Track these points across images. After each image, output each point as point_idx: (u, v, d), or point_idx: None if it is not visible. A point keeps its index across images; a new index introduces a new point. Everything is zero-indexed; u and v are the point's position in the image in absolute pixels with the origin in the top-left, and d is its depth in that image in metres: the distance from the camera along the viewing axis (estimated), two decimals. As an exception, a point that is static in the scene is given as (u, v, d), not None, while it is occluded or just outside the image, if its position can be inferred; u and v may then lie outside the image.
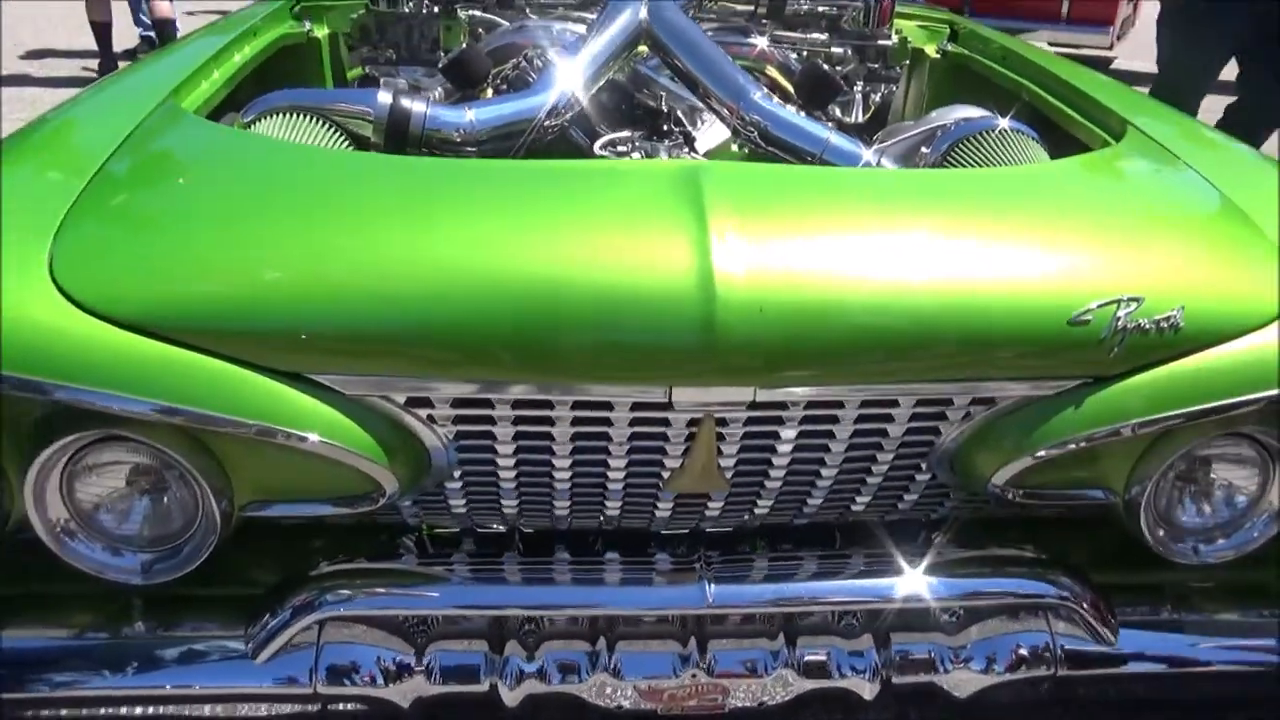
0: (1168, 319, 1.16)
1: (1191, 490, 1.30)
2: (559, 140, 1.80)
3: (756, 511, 1.34)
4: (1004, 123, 1.70)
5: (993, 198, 1.32)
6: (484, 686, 1.28)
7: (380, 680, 1.26)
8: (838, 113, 2.23)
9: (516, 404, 1.14)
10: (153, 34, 6.69)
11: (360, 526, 1.39)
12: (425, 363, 1.11)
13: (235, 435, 1.11)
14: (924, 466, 1.28)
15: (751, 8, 2.12)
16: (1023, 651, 1.32)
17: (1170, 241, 1.28)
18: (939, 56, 2.39)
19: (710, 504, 1.31)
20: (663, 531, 1.39)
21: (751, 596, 1.27)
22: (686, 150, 1.78)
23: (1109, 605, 1.32)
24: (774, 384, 1.13)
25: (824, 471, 1.26)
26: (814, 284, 1.14)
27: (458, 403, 1.15)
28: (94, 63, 6.52)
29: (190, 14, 7.01)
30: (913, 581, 1.28)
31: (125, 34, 7.00)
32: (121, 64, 6.67)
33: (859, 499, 1.33)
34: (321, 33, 2.31)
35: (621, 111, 2.07)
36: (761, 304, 1.10)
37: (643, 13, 1.88)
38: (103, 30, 6.31)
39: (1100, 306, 1.15)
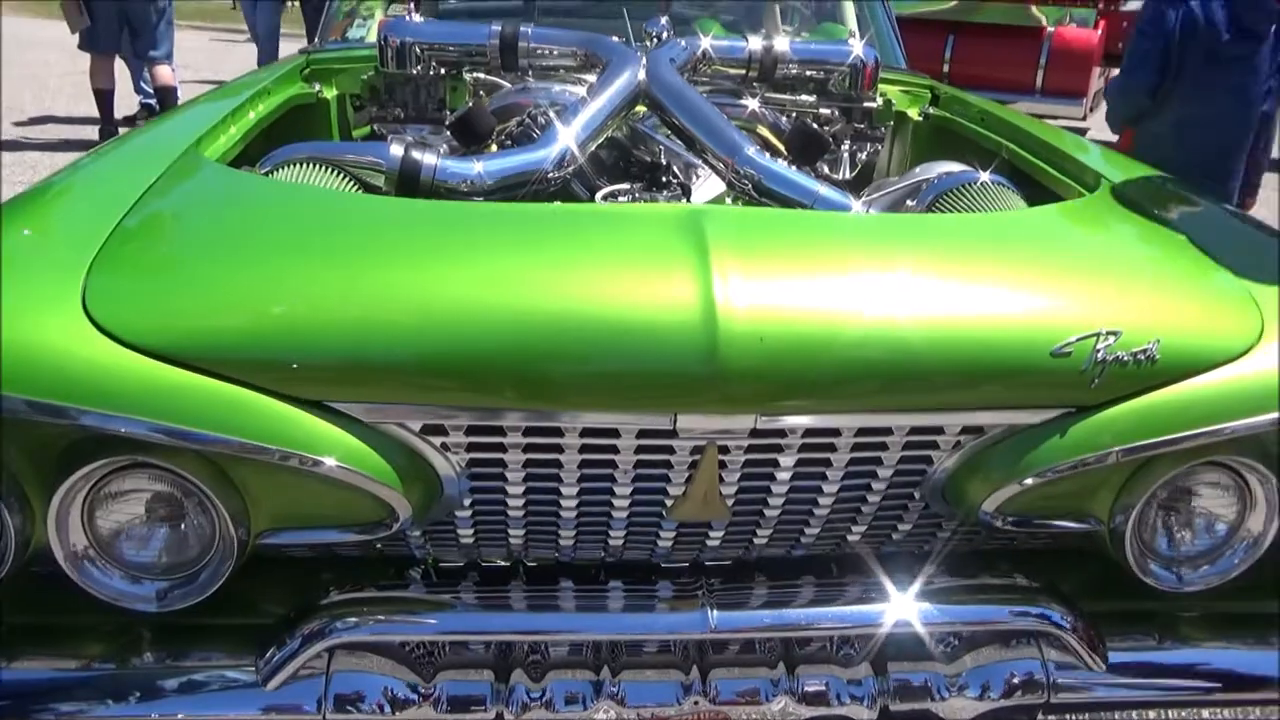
0: (1144, 351, 1.23)
1: (1173, 519, 1.35)
2: (560, 193, 1.88)
3: (756, 541, 1.38)
4: (985, 176, 1.79)
5: (976, 240, 1.40)
6: (490, 715, 1.30)
7: (388, 709, 1.28)
8: (825, 170, 2.33)
9: (528, 431, 1.19)
10: (153, 101, 6.86)
11: (368, 560, 1.42)
12: (439, 392, 1.16)
13: (255, 460, 1.15)
14: (917, 495, 1.33)
15: (743, 72, 2.23)
16: (1015, 679, 1.35)
17: (1145, 280, 1.36)
18: (921, 119, 2.50)
19: (711, 533, 1.35)
20: (664, 565, 1.43)
21: (752, 622, 1.31)
22: (684, 201, 1.86)
23: (1098, 633, 1.36)
24: (774, 412, 1.19)
25: (821, 500, 1.31)
26: (811, 318, 1.20)
27: (471, 430, 1.19)
28: (94, 128, 6.65)
29: (184, 82, 7.18)
30: (908, 608, 1.32)
31: (125, 100, 7.16)
32: (122, 130, 6.82)
33: (855, 528, 1.38)
34: (330, 94, 2.41)
35: (620, 167, 2.15)
36: (762, 335, 1.16)
37: (641, 74, 1.99)
38: (105, 97, 6.45)
39: (1080, 339, 1.22)
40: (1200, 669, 1.40)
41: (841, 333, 1.20)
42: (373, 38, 2.59)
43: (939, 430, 1.25)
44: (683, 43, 2.14)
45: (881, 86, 2.46)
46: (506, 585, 1.35)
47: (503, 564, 1.44)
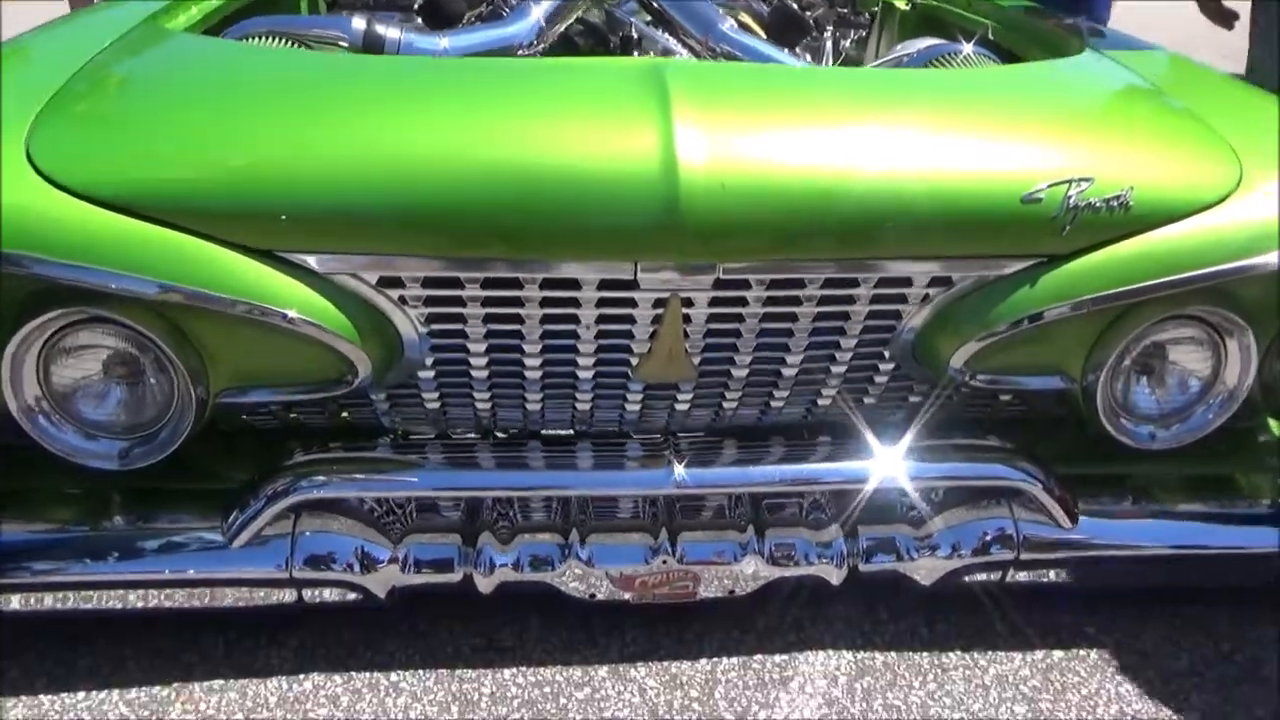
0: (1118, 198, 1.20)
1: (1146, 376, 1.33)
2: None
3: (726, 405, 1.37)
4: (968, 48, 1.74)
5: (947, 93, 1.36)
6: (458, 577, 1.31)
7: (356, 569, 1.28)
8: (808, 58, 2.27)
9: (486, 283, 1.17)
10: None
11: (336, 429, 1.41)
12: (392, 240, 1.14)
13: (211, 313, 1.13)
14: (887, 354, 1.31)
15: (723, -46, 2.16)
16: (985, 537, 1.35)
17: (1122, 130, 1.32)
18: (909, 8, 2.43)
19: (679, 396, 1.34)
20: (634, 435, 1.42)
21: (719, 479, 1.30)
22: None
23: (1070, 493, 1.36)
24: (736, 258, 1.16)
25: (789, 358, 1.29)
26: (774, 166, 1.17)
27: (428, 282, 1.17)
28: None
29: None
30: (878, 465, 1.32)
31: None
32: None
33: (825, 390, 1.36)
34: None
35: (595, 53, 2.10)
36: (724, 182, 1.13)
37: (614, -49, 1.93)
38: None
39: (1052, 186, 1.19)
40: (1171, 529, 1.39)
41: (804, 181, 1.16)
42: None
43: (907, 282, 1.22)
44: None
45: (867, -27, 2.40)
46: (474, 446, 1.34)
47: (472, 436, 1.43)
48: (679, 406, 1.36)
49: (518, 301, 1.19)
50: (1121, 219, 1.20)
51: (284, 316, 1.13)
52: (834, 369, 1.32)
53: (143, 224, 1.11)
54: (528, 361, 1.27)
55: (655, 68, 1.27)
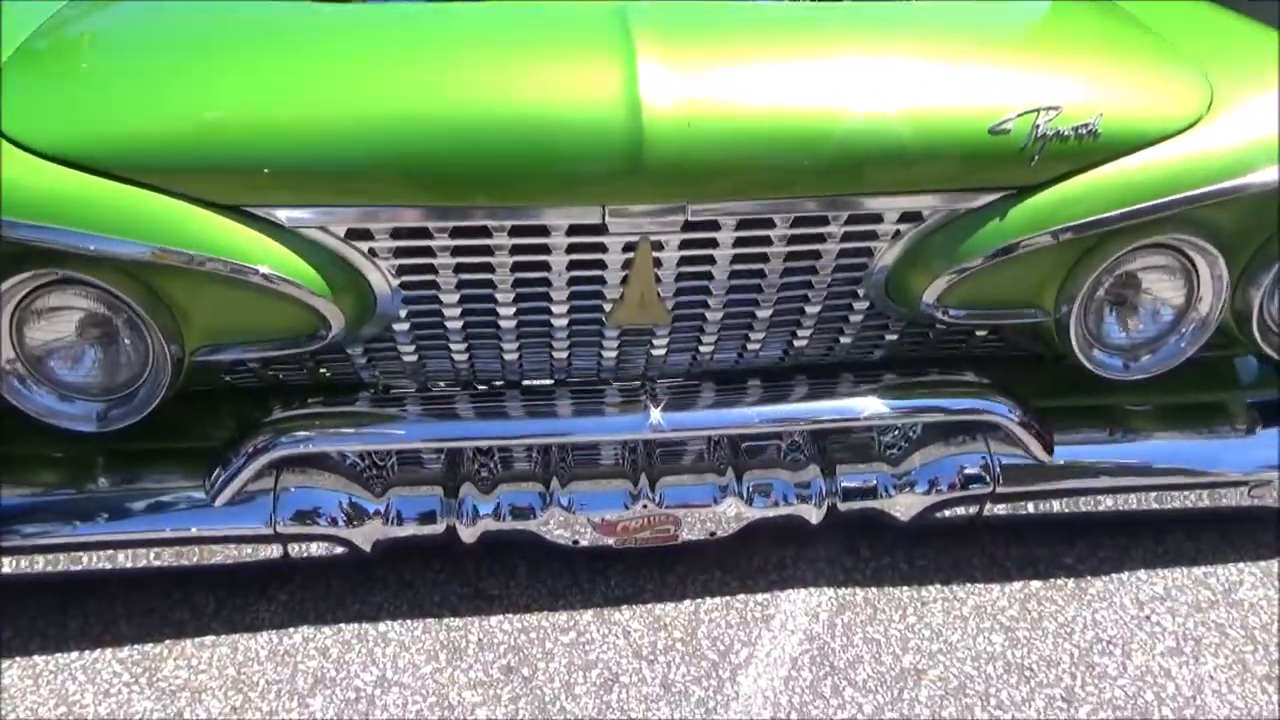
0: (1086, 126, 1.19)
1: (1119, 305, 1.33)
2: None
3: (702, 350, 1.37)
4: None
5: (914, 25, 1.34)
6: (440, 528, 1.32)
7: (341, 522, 1.29)
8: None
9: (455, 232, 1.17)
10: None
11: (317, 385, 1.42)
12: (361, 192, 1.13)
13: (186, 272, 1.13)
14: (860, 292, 1.31)
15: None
16: (963, 472, 1.37)
17: (1090, 58, 1.31)
18: None
19: (655, 341, 1.34)
20: (614, 381, 1.42)
21: (695, 422, 1.31)
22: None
23: (1045, 425, 1.37)
24: (704, 199, 1.16)
25: (762, 300, 1.29)
26: (739, 103, 1.16)
27: (397, 233, 1.17)
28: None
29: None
30: (854, 402, 1.33)
31: None
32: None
33: (800, 331, 1.37)
34: None
35: None
36: (689, 120, 1.13)
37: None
38: None
39: (1019, 115, 1.18)
40: (1148, 455, 1.41)
41: (769, 120, 1.16)
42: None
43: (877, 218, 1.22)
44: None
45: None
46: (453, 398, 1.35)
47: (451, 389, 1.44)
48: (655, 351, 1.37)
49: (487, 250, 1.19)
50: (1090, 147, 1.20)
51: (256, 272, 1.13)
52: (808, 309, 1.33)
53: (110, 183, 1.10)
54: (501, 311, 1.27)
55: (619, 8, 1.26)
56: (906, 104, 1.18)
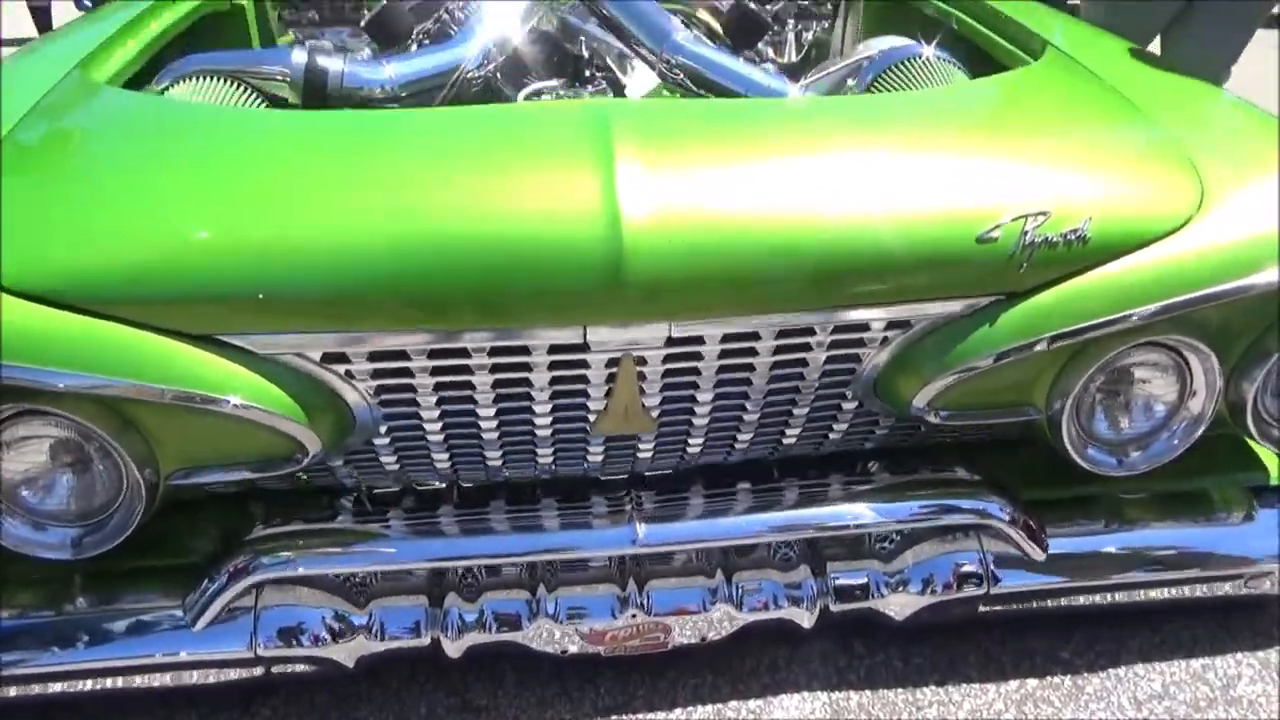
0: (1075, 231, 1.17)
1: (1112, 402, 1.31)
2: (483, 93, 1.78)
3: (689, 451, 1.35)
4: (928, 51, 1.69)
5: (900, 121, 1.32)
6: (426, 640, 1.30)
7: (325, 638, 1.27)
8: (770, 53, 2.21)
9: (433, 354, 1.14)
10: (94, 17, 6.54)
11: (298, 490, 1.39)
12: (336, 318, 1.11)
13: (154, 403, 1.10)
14: (849, 394, 1.29)
15: (677, -50, 2.09)
16: (957, 571, 1.34)
17: (1077, 154, 1.28)
18: None
19: (641, 445, 1.32)
20: (601, 478, 1.40)
21: (680, 534, 1.28)
22: (611, 96, 1.76)
23: (1038, 522, 1.35)
24: (687, 317, 1.14)
25: (749, 405, 1.27)
26: (722, 215, 1.13)
27: (374, 357, 1.14)
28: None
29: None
30: (845, 509, 1.30)
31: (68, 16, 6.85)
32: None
33: (789, 431, 1.34)
34: None
35: (552, 62, 2.04)
36: (669, 236, 1.10)
37: (564, -40, 1.87)
38: (41, 15, 6.15)
39: (1007, 222, 1.15)
40: (1143, 551, 1.38)
41: (754, 230, 1.13)
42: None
43: (864, 327, 1.20)
44: (608, -80, 2.00)
45: (830, -42, 2.32)
46: (436, 511, 1.32)
47: (438, 486, 1.41)
48: (641, 454, 1.34)
49: (467, 369, 1.17)
50: (1079, 253, 1.18)
51: (228, 403, 1.10)
52: (796, 411, 1.30)
53: (75, 316, 1.08)
54: (484, 424, 1.24)
55: (598, 115, 1.23)
56: (891, 212, 1.16)
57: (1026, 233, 1.16)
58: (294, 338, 1.12)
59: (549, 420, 1.25)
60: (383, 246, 1.10)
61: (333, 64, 1.62)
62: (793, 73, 2.28)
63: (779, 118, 1.31)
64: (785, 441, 1.37)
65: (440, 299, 1.11)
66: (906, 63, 1.67)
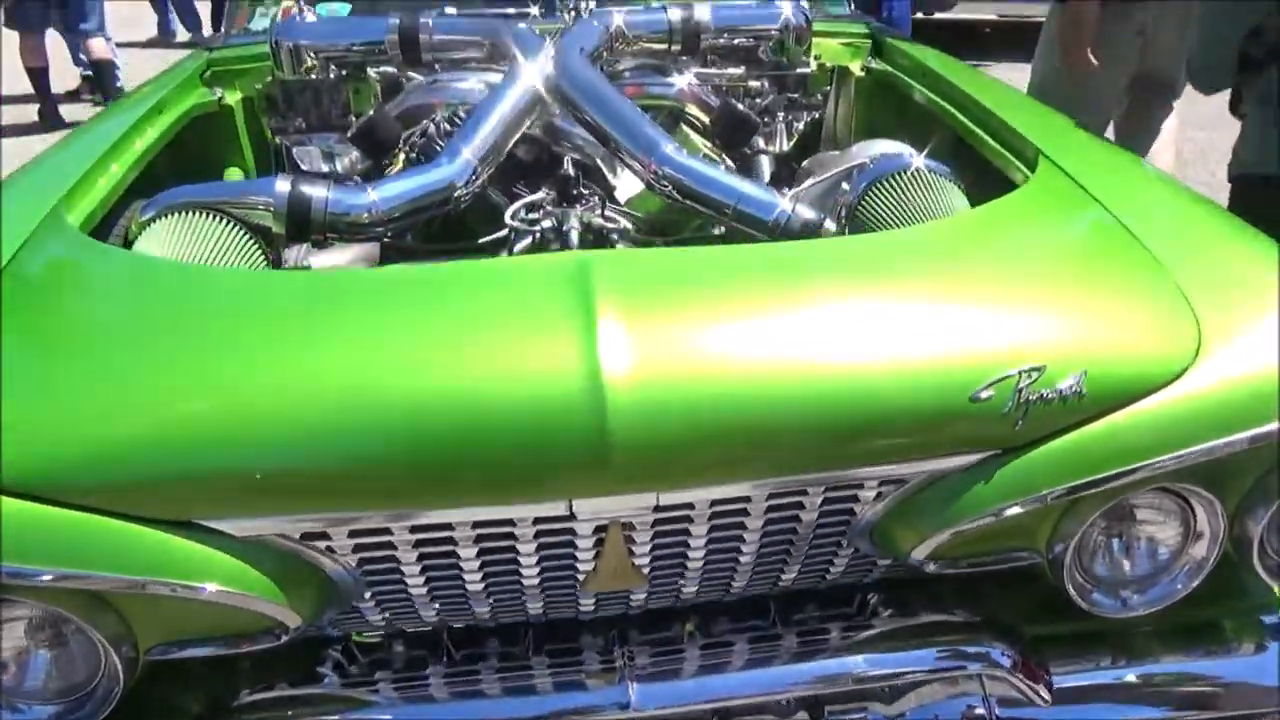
0: (1071, 386, 1.14)
1: (1114, 544, 1.28)
2: (474, 204, 1.77)
3: (683, 595, 1.32)
4: (919, 161, 1.67)
5: (888, 267, 1.29)
6: None
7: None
8: (761, 143, 2.20)
9: (415, 529, 1.12)
10: (92, 73, 6.59)
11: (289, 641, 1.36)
12: (313, 502, 1.09)
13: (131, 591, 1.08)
14: (844, 543, 1.26)
15: (665, 46, 2.08)
16: (961, 714, 1.31)
17: (1072, 298, 1.26)
18: (864, 74, 2.36)
19: (634, 595, 1.29)
20: (596, 618, 1.37)
21: (675, 696, 1.25)
22: (601, 213, 1.74)
23: (1042, 663, 1.31)
24: (675, 488, 1.12)
25: (742, 559, 1.25)
26: (709, 381, 1.11)
27: (355, 533, 1.12)
28: (36, 107, 6.41)
29: (122, 45, 6.89)
30: (844, 662, 1.27)
31: (69, 72, 6.89)
32: (62, 107, 6.57)
33: (785, 575, 1.32)
34: (234, 99, 2.26)
35: (540, 163, 2.03)
36: (656, 407, 1.08)
37: (549, 68, 1.85)
38: (38, 75, 6.20)
39: (1000, 380, 1.13)
40: (1151, 687, 1.35)
41: (742, 395, 1.11)
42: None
43: (857, 485, 1.18)
44: (595, 22, 2.00)
45: (819, 41, 2.31)
46: (425, 671, 1.29)
47: (427, 628, 1.38)
48: (634, 602, 1.31)
49: (450, 540, 1.14)
50: (1075, 407, 1.15)
51: (203, 590, 1.07)
52: (791, 557, 1.28)
53: (46, 507, 1.05)
54: (470, 586, 1.22)
55: (580, 269, 1.21)
56: (882, 372, 1.14)
57: (1021, 390, 1.13)
58: (271, 521, 1.10)
59: (537, 579, 1.22)
60: (357, 425, 1.08)
61: (316, 191, 1.60)
62: (788, 162, 2.29)
63: (765, 267, 1.29)
64: (783, 581, 1.34)
65: (420, 479, 1.09)
66: (897, 175, 1.65)
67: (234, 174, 2.27)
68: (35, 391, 1.12)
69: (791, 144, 2.27)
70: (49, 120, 6.30)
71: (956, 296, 1.24)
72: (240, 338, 1.17)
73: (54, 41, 6.27)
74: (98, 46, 6.13)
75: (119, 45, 6.72)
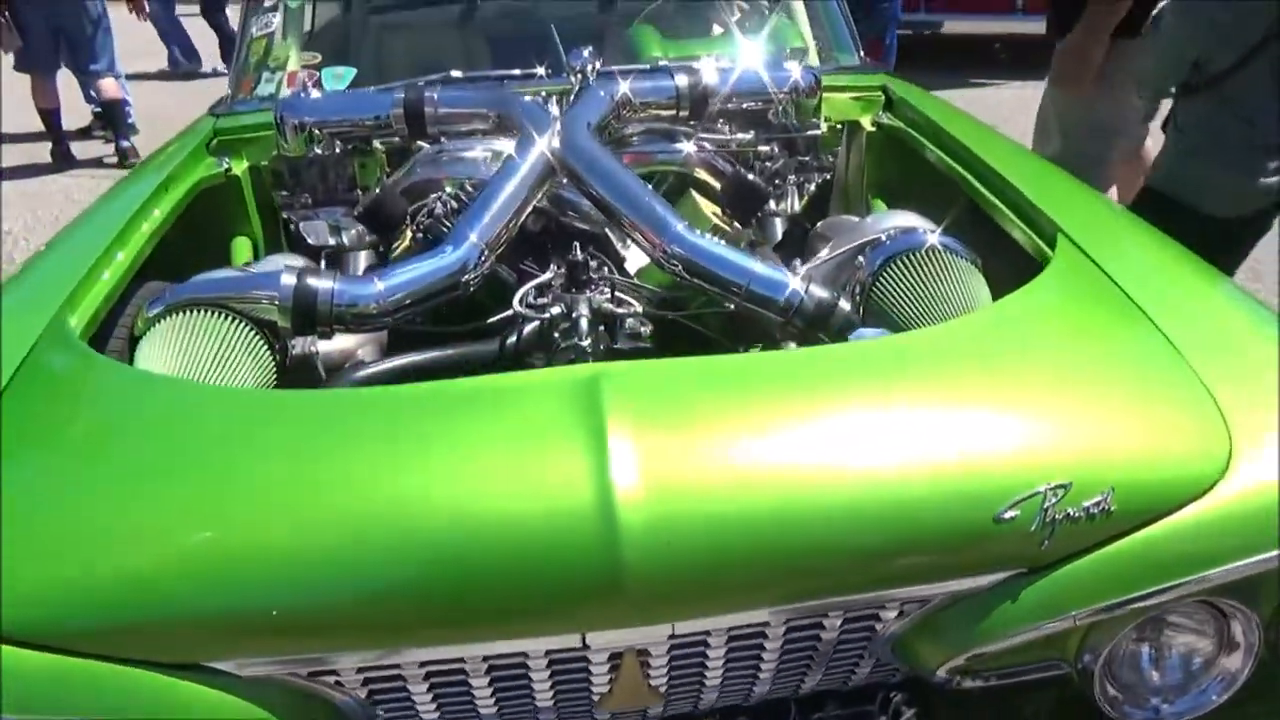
0: (1098, 504, 1.10)
1: (1145, 652, 1.24)
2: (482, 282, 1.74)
3: (702, 704, 1.29)
4: (934, 239, 1.64)
5: (905, 374, 1.25)
6: None
7: None
8: (772, 205, 2.17)
9: (424, 663, 1.10)
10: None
11: None
12: (323, 639, 1.06)
13: None
14: (866, 655, 1.23)
15: (672, 112, 2.05)
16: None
17: (1096, 404, 1.22)
18: (875, 129, 2.33)
19: (651, 710, 1.26)
20: None
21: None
22: (609, 297, 1.71)
23: None
24: (690, 618, 1.09)
25: (761, 674, 1.21)
26: (725, 505, 1.08)
27: (363, 669, 1.10)
28: (48, 147, 6.46)
29: (132, 77, 6.93)
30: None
31: (81, 110, 6.93)
32: (75, 144, 6.62)
33: (806, 682, 1.28)
34: (241, 168, 2.25)
35: (548, 232, 2.01)
36: (670, 536, 1.05)
37: (555, 142, 1.83)
38: (51, 116, 6.24)
39: (1026, 498, 1.10)
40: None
41: (760, 522, 1.08)
42: (284, 93, 2.42)
43: (878, 606, 1.14)
44: (600, 91, 1.97)
45: (829, 96, 2.28)
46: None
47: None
48: (651, 714, 1.28)
49: (461, 672, 1.12)
50: (1103, 525, 1.11)
51: None
52: (811, 671, 1.24)
53: (42, 655, 1.03)
54: (483, 711, 1.19)
55: (590, 386, 1.18)
56: (903, 493, 1.11)
57: (1047, 509, 1.10)
58: (275, 661, 1.07)
59: (551, 701, 1.19)
60: (359, 560, 1.05)
61: (322, 284, 1.58)
62: (798, 222, 2.26)
63: (780, 378, 1.25)
64: (804, 688, 1.31)
65: (430, 613, 1.06)
66: (911, 255, 1.62)
67: (242, 244, 2.26)
68: (34, 530, 1.09)
69: (803, 204, 2.24)
70: (62, 160, 6.34)
71: (977, 406, 1.21)
72: (243, 468, 1.15)
73: (65, 76, 6.31)
74: (109, 86, 6.16)
75: (130, 77, 6.78)
